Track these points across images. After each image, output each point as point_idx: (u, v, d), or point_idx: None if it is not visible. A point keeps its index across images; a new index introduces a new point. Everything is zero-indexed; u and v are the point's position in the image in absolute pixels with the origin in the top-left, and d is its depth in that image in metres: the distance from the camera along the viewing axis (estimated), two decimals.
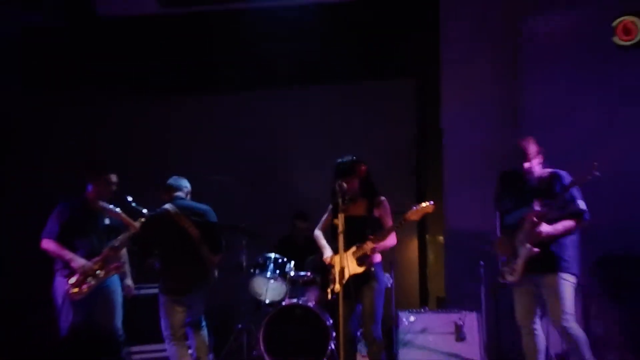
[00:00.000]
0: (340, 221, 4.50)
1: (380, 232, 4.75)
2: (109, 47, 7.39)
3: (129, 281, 5.64)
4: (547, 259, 4.38)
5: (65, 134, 7.73)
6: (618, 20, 6.45)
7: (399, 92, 7.72)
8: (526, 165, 4.57)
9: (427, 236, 7.38)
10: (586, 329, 5.95)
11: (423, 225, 7.24)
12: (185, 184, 5.67)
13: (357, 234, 4.81)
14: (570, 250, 4.48)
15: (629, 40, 6.43)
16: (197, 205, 5.58)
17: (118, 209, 5.34)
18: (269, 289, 6.29)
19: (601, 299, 6.19)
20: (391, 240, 4.85)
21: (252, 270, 6.43)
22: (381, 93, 7.70)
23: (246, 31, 7.29)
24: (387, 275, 6.08)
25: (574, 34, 6.58)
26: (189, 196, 5.66)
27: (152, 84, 7.76)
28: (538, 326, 4.60)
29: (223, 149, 7.58)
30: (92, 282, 5.23)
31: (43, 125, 7.84)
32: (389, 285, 6.07)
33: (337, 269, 4.76)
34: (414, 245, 7.51)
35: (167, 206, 5.42)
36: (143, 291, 6.39)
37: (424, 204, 4.67)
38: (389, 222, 4.89)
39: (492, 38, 6.94)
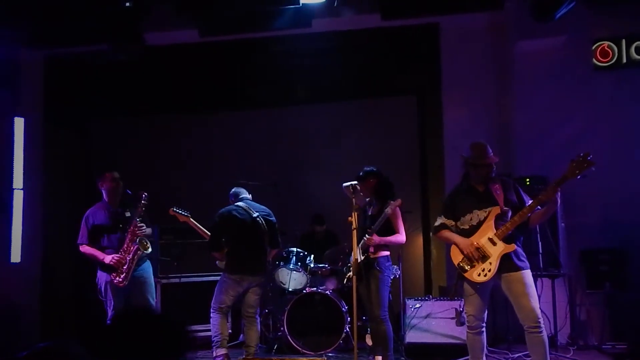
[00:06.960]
0: (353, 219, 4.87)
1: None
2: (155, 71, 7.74)
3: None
4: None
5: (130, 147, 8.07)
6: (597, 44, 6.86)
7: (403, 107, 8.02)
8: None
9: (430, 234, 7.29)
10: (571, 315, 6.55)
11: (427, 225, 7.39)
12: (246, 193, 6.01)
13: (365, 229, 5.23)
14: None
15: (606, 62, 6.86)
16: (264, 207, 5.89)
17: (190, 218, 5.85)
18: (292, 278, 6.72)
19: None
20: (397, 238, 5.30)
21: (277, 262, 6.82)
22: (388, 108, 8.01)
23: (271, 56, 7.60)
24: (395, 267, 6.31)
25: (559, 56, 6.90)
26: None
27: (191, 102, 8.07)
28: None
29: (251, 158, 7.77)
30: (126, 268, 5.57)
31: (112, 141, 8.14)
32: (397, 276, 6.35)
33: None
34: (419, 242, 7.73)
35: (240, 203, 5.80)
36: (205, 278, 6.93)
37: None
38: (396, 222, 5.30)
39: (488, 59, 7.29)
